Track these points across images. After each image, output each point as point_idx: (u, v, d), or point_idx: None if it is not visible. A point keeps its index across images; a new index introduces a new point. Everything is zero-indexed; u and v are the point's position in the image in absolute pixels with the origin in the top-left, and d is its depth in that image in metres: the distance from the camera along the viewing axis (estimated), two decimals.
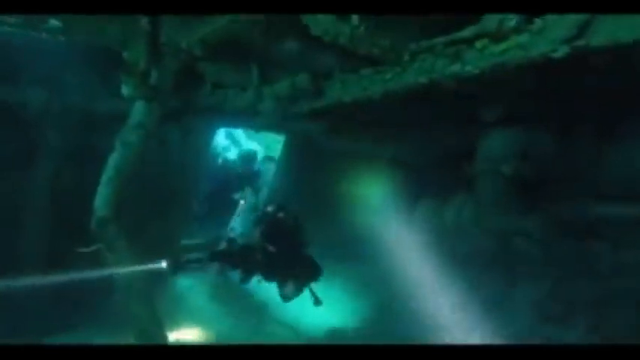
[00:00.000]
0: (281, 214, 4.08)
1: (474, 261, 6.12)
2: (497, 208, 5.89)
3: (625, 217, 5.45)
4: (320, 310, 4.46)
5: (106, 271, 3.91)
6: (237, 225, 8.02)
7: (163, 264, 3.52)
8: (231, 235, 7.38)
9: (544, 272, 5.81)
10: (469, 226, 6.15)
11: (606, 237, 5.60)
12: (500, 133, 5.68)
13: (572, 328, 5.60)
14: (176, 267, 3.54)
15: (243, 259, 3.83)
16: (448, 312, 5.98)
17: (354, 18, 3.12)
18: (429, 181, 6.36)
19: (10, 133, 5.24)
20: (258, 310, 6.47)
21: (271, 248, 3.84)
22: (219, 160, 8.52)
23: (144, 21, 3.85)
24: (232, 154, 8.63)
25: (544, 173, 5.84)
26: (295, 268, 4.06)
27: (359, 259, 6.21)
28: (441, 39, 3.27)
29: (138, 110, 4.20)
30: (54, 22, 3.40)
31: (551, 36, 2.74)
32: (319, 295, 4.29)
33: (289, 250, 3.97)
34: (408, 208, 6.43)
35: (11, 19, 3.29)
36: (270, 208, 4.13)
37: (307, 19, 3.12)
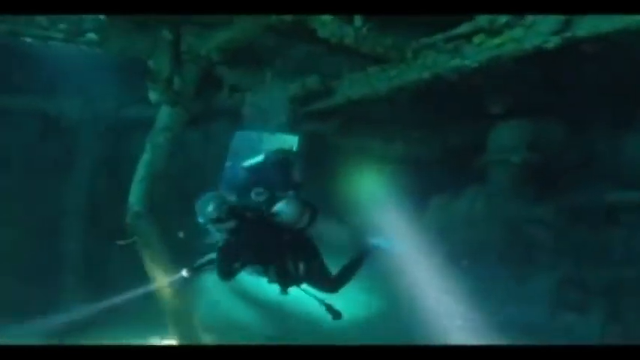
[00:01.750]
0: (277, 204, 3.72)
1: (489, 251, 6.17)
2: (510, 197, 5.97)
3: None
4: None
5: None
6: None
7: (184, 273, 3.89)
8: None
9: (559, 260, 5.83)
10: (482, 217, 6.23)
11: (621, 223, 5.60)
12: (509, 123, 5.78)
13: (591, 315, 5.60)
14: (194, 273, 3.86)
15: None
16: (464, 302, 6.04)
17: (357, 20, 3.36)
18: (440, 176, 6.43)
19: (48, 140, 5.70)
20: (274, 305, 6.17)
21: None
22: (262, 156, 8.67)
23: (165, 31, 4.18)
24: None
25: (557, 161, 5.88)
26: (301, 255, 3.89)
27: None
28: (440, 36, 3.48)
29: (164, 114, 4.55)
30: (91, 35, 3.73)
31: (541, 29, 2.92)
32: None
33: (290, 239, 3.77)
34: (420, 204, 6.52)
35: (57, 34, 3.59)
36: (260, 197, 3.80)
37: (314, 23, 3.37)
